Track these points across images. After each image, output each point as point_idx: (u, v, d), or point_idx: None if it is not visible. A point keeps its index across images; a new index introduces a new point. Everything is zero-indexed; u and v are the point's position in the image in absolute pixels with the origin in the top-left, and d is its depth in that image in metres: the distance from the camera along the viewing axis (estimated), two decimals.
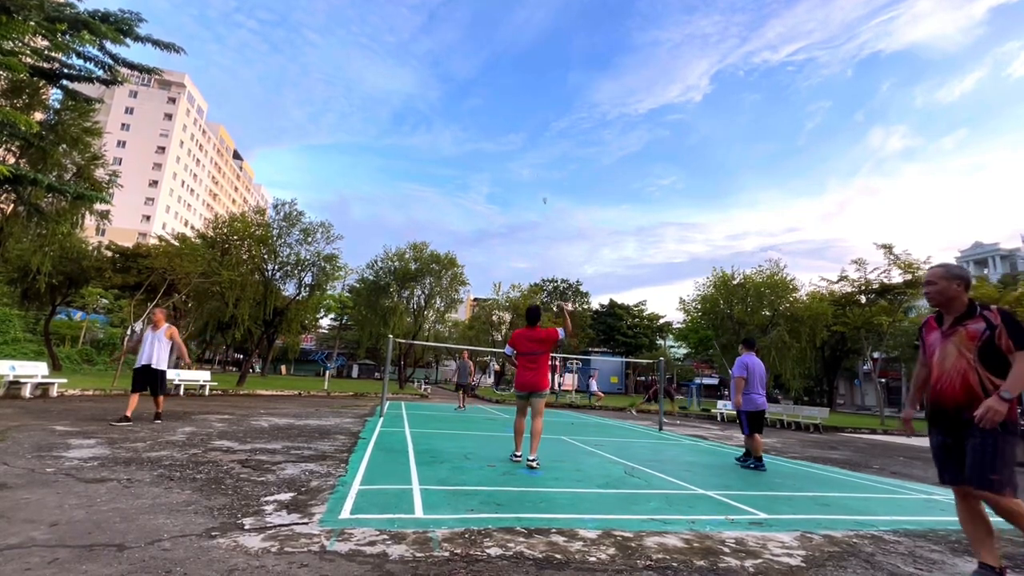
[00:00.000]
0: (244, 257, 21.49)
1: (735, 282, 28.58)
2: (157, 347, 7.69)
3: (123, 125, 71.25)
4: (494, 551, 2.84)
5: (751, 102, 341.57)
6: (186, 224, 72.15)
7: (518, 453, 5.99)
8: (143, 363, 7.60)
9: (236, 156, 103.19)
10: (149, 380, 7.61)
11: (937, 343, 2.94)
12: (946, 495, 5.94)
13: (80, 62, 12.83)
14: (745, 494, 5.06)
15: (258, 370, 37.84)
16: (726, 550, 3.14)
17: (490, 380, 41.69)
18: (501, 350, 33.81)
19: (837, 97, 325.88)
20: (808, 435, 15.10)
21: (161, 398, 7.71)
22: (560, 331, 6.03)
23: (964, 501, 2.84)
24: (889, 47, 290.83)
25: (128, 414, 7.24)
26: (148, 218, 70.31)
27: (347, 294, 38.69)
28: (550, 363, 6.33)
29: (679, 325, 44.22)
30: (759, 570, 2.83)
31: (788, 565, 2.95)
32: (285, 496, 3.77)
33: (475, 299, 57.66)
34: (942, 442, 2.89)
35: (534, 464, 5.62)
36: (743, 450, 7.25)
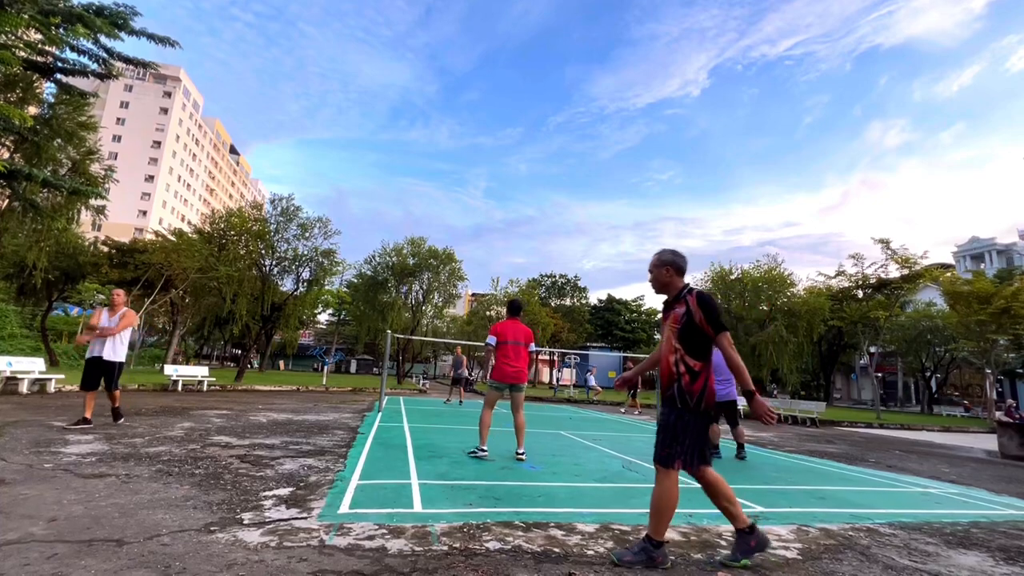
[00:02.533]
0: (241, 252, 21.44)
1: (732, 277, 28.67)
2: (114, 336, 6.68)
3: (118, 119, 70.72)
4: (493, 545, 2.85)
5: (749, 97, 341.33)
6: (183, 219, 71.78)
7: (484, 448, 5.72)
8: (95, 354, 6.54)
9: (233, 151, 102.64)
10: (103, 374, 6.58)
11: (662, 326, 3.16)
12: (941, 488, 5.98)
13: (74, 56, 12.75)
14: (742, 488, 5.08)
15: (256, 365, 37.80)
16: (723, 543, 3.16)
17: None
18: None
19: (835, 92, 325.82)
20: (805, 429, 15.18)
21: (117, 393, 6.70)
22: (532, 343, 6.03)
23: (697, 477, 2.90)
24: (888, 41, 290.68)
25: (88, 415, 6.34)
26: (144, 213, 70.01)
27: (345, 289, 38.63)
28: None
29: None
30: (756, 563, 2.84)
31: (784, 558, 2.97)
32: (284, 491, 3.78)
33: (473, 294, 57.66)
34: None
35: (523, 456, 5.71)
36: (737, 444, 7.30)
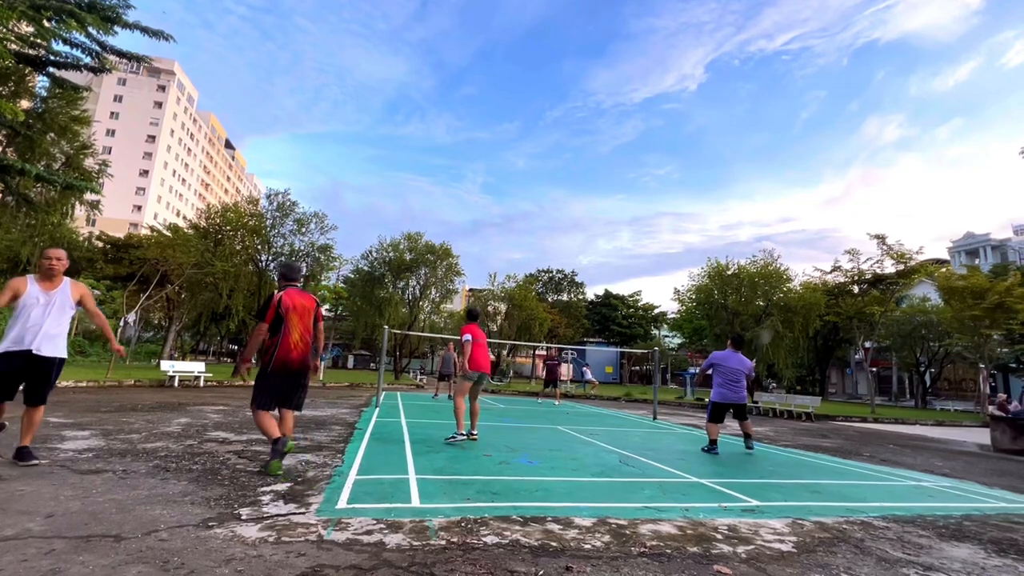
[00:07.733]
0: (237, 248, 21.33)
1: (729, 272, 28.69)
2: (54, 319, 4.15)
3: (112, 114, 70.09)
4: (490, 539, 2.87)
5: (746, 92, 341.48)
6: (178, 214, 71.37)
7: (462, 433, 6.33)
8: (23, 347, 3.99)
9: (228, 145, 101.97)
10: (35, 378, 4.12)
11: None
12: (934, 482, 6.04)
13: (67, 49, 12.62)
14: (738, 482, 5.12)
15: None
16: (719, 537, 3.19)
17: None
18: (497, 341, 33.54)
19: (832, 87, 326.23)
20: (800, 423, 15.28)
21: (40, 411, 4.24)
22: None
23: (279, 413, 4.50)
24: (885, 36, 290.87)
25: None
26: (139, 208, 69.54)
27: (342, 285, 38.53)
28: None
29: (673, 315, 44.48)
30: (751, 556, 2.87)
31: (779, 551, 3.00)
32: (282, 486, 3.78)
33: (470, 290, 57.58)
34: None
35: (475, 436, 6.51)
36: (744, 434, 7.54)
